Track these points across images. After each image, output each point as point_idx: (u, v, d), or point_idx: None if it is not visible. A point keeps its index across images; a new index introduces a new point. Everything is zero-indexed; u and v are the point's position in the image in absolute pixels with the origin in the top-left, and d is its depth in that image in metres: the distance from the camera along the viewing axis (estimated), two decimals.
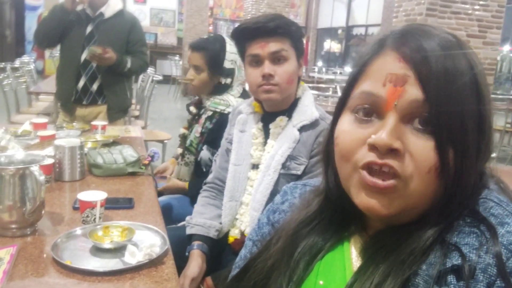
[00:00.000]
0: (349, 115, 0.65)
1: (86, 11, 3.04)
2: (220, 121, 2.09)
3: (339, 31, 15.73)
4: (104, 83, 3.10)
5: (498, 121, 7.77)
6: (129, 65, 3.06)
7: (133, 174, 1.95)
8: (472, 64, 0.61)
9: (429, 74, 0.58)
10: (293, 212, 0.77)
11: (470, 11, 4.81)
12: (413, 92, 0.58)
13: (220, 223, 1.67)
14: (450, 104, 0.58)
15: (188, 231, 1.67)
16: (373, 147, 0.59)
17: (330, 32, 16.25)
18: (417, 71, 0.59)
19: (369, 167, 0.60)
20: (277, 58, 1.52)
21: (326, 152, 0.71)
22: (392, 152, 0.58)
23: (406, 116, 0.59)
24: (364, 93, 0.62)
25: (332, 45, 16.39)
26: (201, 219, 1.68)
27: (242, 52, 1.61)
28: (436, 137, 0.58)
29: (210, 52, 2.12)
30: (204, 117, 2.21)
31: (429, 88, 0.58)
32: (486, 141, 0.62)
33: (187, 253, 1.60)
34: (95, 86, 3.10)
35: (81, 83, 3.08)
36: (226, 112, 2.10)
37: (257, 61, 1.54)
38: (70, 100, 3.13)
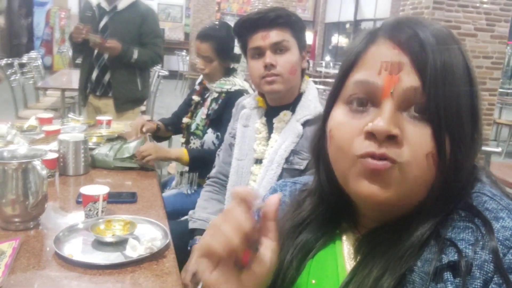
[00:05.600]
0: (342, 106, 0.63)
1: (102, 5, 3.16)
2: (226, 100, 2.13)
3: (347, 26, 15.62)
4: (112, 74, 3.21)
5: (507, 116, 7.72)
6: (135, 55, 3.13)
7: (126, 168, 1.97)
8: (465, 57, 0.60)
9: (425, 62, 0.57)
10: (283, 210, 0.76)
11: (478, 4, 4.75)
12: (409, 79, 0.57)
13: None
14: (446, 92, 0.57)
15: (191, 225, 1.68)
16: (371, 135, 0.58)
17: (338, 27, 16.14)
18: (412, 58, 0.58)
19: (369, 157, 0.59)
20: (278, 49, 1.52)
21: (317, 149, 0.70)
22: (390, 139, 0.57)
23: (402, 103, 0.58)
24: (359, 82, 0.61)
25: (340, 40, 16.28)
26: (204, 214, 1.68)
27: (244, 47, 1.61)
28: (433, 124, 0.57)
29: (218, 41, 2.13)
30: (209, 99, 2.24)
31: (426, 76, 0.57)
32: (478, 133, 0.61)
33: (189, 247, 1.61)
34: (106, 78, 3.23)
35: (94, 75, 3.24)
36: (232, 90, 2.15)
37: (259, 53, 1.54)
38: (85, 91, 3.33)
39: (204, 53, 2.16)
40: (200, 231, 1.64)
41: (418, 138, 0.57)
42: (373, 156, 0.58)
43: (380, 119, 0.57)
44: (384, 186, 0.58)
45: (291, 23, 1.53)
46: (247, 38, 1.56)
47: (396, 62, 0.58)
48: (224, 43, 2.13)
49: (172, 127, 2.51)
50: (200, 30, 2.24)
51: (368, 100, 0.60)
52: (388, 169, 0.57)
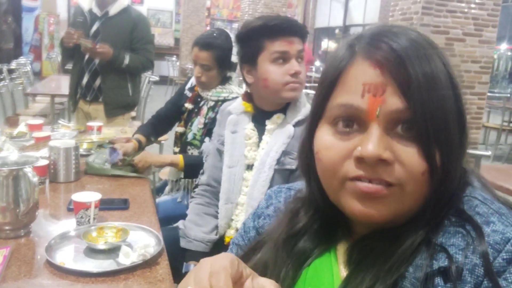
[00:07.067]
0: (327, 127, 0.62)
1: (93, 10, 3.15)
2: None
3: (337, 31, 15.69)
4: (103, 79, 3.19)
5: (495, 120, 7.79)
6: (127, 61, 3.12)
7: (120, 176, 1.96)
8: (443, 61, 0.59)
9: (407, 80, 0.56)
10: (278, 217, 0.75)
11: (466, 10, 4.83)
12: (394, 100, 0.57)
13: (216, 234, 1.67)
14: (432, 107, 0.56)
15: (185, 245, 1.66)
16: (361, 160, 0.58)
17: (328, 32, 16.22)
18: (394, 77, 0.57)
19: (360, 179, 0.59)
20: (300, 57, 1.55)
21: (306, 164, 0.69)
22: (381, 162, 0.57)
23: (389, 124, 0.58)
24: (343, 105, 0.60)
25: (329, 45, 16.36)
26: (200, 234, 1.66)
27: (258, 49, 1.54)
28: (422, 140, 0.57)
29: (219, 50, 2.09)
30: (206, 107, 2.20)
31: (410, 95, 0.56)
32: (465, 135, 0.61)
33: (183, 271, 1.58)
34: (97, 83, 3.21)
35: (85, 80, 3.22)
36: (230, 98, 2.12)
37: (284, 58, 1.52)
38: (75, 96, 3.30)
39: (203, 62, 2.11)
40: (197, 254, 1.61)
41: (410, 158, 0.57)
42: (365, 178, 0.58)
43: (369, 144, 0.57)
44: (380, 208, 0.59)
45: (303, 33, 1.56)
46: (265, 43, 1.52)
47: (379, 83, 0.57)
48: (225, 53, 2.09)
49: (154, 135, 2.41)
50: (199, 37, 2.18)
51: (353, 121, 0.60)
52: (383, 192, 0.58)
